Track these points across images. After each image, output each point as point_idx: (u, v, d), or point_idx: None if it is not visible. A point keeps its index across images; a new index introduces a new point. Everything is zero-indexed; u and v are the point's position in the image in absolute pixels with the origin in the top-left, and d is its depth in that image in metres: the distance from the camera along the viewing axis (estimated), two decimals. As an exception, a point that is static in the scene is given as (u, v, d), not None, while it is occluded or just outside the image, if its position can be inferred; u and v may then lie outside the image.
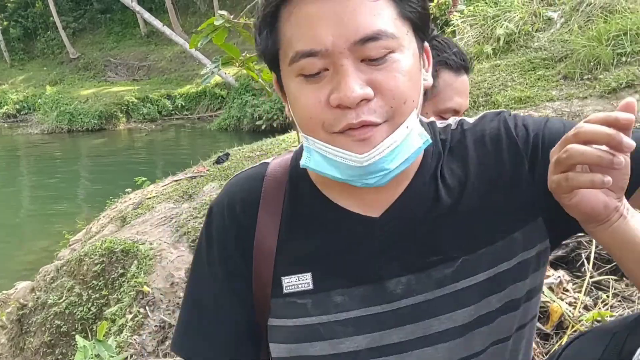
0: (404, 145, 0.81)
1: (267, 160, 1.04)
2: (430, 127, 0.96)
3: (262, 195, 0.96)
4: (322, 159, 0.83)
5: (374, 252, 0.90)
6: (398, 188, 0.91)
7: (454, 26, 8.12)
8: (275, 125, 14.30)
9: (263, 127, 14.68)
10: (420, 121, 0.93)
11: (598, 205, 0.76)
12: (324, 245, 0.92)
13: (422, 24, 0.84)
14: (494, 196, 0.89)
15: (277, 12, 0.82)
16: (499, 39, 7.87)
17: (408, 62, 0.80)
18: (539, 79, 6.44)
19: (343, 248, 0.91)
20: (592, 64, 6.35)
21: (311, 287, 0.90)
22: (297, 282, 0.91)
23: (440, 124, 0.98)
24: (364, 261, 0.90)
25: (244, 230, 0.95)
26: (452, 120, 0.98)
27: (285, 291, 0.92)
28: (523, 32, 7.92)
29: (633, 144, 0.69)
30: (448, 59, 1.52)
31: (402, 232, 0.89)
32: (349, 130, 0.79)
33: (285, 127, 12.38)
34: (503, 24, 8.02)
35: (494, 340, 0.89)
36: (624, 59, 6.12)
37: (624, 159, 0.71)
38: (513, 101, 6.13)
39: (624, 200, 0.79)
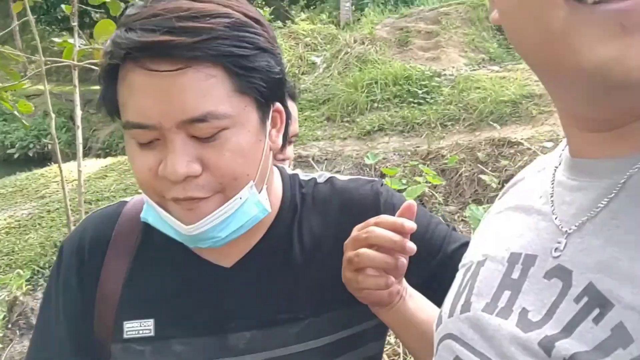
0: (237, 215, 0.79)
1: (126, 199, 0.97)
2: (290, 180, 0.95)
3: (114, 235, 0.90)
4: (158, 218, 0.81)
5: (221, 303, 0.87)
6: (252, 239, 0.89)
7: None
8: (31, 155, 12.89)
9: (16, 156, 13.12)
10: (282, 171, 0.94)
11: (383, 294, 0.83)
12: (170, 290, 0.88)
13: (267, 94, 0.79)
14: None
15: (116, 70, 0.76)
16: (269, 79, 8.30)
17: (242, 139, 0.77)
18: (305, 119, 6.91)
19: (190, 296, 0.87)
20: (350, 107, 7.05)
21: (152, 333, 0.86)
22: (139, 327, 0.86)
23: (304, 176, 0.97)
24: (209, 311, 0.87)
25: (90, 271, 0.89)
26: (319, 174, 0.99)
27: (125, 336, 0.86)
28: (290, 75, 8.47)
29: (414, 248, 0.79)
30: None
31: (252, 285, 0.87)
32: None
33: (44, 157, 11.24)
34: (272, 65, 8.47)
35: None
36: (376, 104, 6.91)
37: (405, 260, 0.81)
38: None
39: (404, 282, 0.85)
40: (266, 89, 0.78)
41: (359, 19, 11.18)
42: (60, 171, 3.85)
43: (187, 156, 0.74)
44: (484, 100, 6.00)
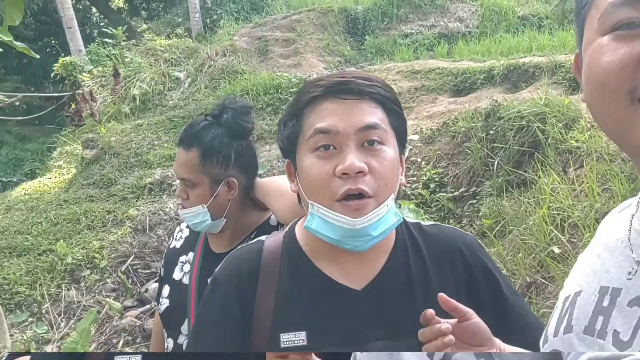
0: (385, 218, 1.06)
1: (261, 238, 1.22)
2: (404, 224, 1.20)
3: (262, 267, 1.14)
4: (322, 222, 1.06)
5: (355, 319, 1.08)
6: (376, 264, 1.13)
7: (87, 86, 8.00)
8: None
9: None
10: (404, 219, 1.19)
11: None
12: (314, 308, 1.09)
13: (402, 135, 1.14)
14: (449, 292, 1.08)
15: (303, 109, 1.11)
16: (134, 98, 8.13)
17: (392, 155, 1.08)
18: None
19: (329, 313, 1.09)
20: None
21: (305, 343, 1.07)
22: (294, 338, 1.08)
23: (407, 218, 1.23)
24: (347, 325, 1.08)
25: (248, 295, 1.12)
26: (410, 219, 1.25)
27: (282, 345, 1.07)
28: (156, 92, 8.36)
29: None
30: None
31: (380, 304, 1.09)
32: (346, 200, 1.03)
33: None
34: (136, 84, 8.30)
35: None
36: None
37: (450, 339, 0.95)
38: (164, 159, 6.48)
39: (495, 341, 1.01)
40: (402, 133, 1.14)
41: (213, 29, 11.25)
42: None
43: (359, 158, 1.04)
44: (351, 102, 6.48)
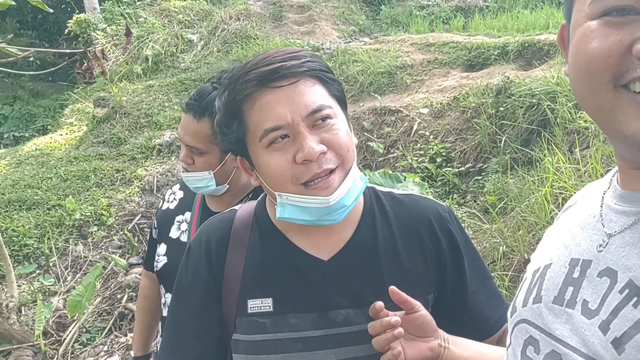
0: (354, 186, 1.08)
1: (235, 208, 1.25)
2: (368, 190, 1.22)
3: (232, 234, 1.17)
4: (294, 208, 1.07)
5: (321, 287, 1.12)
6: (344, 235, 1.15)
7: (100, 45, 8.00)
8: None
9: None
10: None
11: (426, 352, 1.06)
12: (282, 276, 1.13)
13: (342, 99, 1.15)
14: (416, 263, 1.16)
15: (241, 106, 1.08)
16: (147, 59, 8.13)
17: (342, 124, 1.09)
18: (195, 99, 6.94)
19: (297, 281, 1.13)
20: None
21: (271, 309, 1.11)
22: (260, 304, 1.11)
23: (381, 188, 1.26)
24: (313, 293, 1.11)
25: (217, 262, 1.16)
26: (384, 188, 1.27)
27: (249, 311, 1.11)
28: (169, 53, 8.35)
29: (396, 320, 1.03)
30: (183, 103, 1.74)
31: (345, 274, 1.13)
32: (313, 181, 1.04)
33: None
34: (149, 45, 8.29)
35: None
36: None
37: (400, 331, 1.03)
38: (174, 121, 6.51)
39: (440, 332, 1.08)
40: (342, 98, 1.15)
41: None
42: None
43: (315, 140, 1.04)
44: (363, 72, 6.46)
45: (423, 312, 1.08)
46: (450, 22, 8.56)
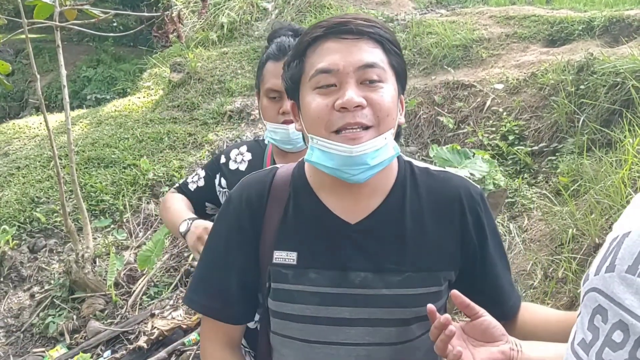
0: (382, 150, 1.10)
1: (277, 165, 1.32)
2: (404, 163, 1.24)
3: (271, 190, 1.24)
4: (320, 153, 1.12)
5: (345, 249, 1.16)
6: (372, 202, 1.18)
7: (176, 9, 8.18)
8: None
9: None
10: (399, 156, 1.22)
11: (497, 356, 1.05)
12: (309, 234, 1.19)
13: (401, 76, 1.18)
14: (442, 238, 1.18)
15: (306, 49, 1.15)
16: (222, 26, 8.26)
17: (391, 92, 1.12)
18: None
19: (323, 240, 1.18)
20: (308, 54, 7.18)
21: (295, 262, 1.17)
22: (286, 257, 1.18)
23: (418, 163, 1.27)
24: (336, 253, 1.16)
25: (257, 213, 1.23)
26: (422, 164, 1.29)
27: (274, 262, 1.19)
28: (244, 21, 8.45)
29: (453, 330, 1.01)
30: (270, 53, 1.75)
31: (369, 239, 1.17)
32: (344, 130, 1.08)
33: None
34: (225, 12, 8.41)
35: (424, 331, 1.19)
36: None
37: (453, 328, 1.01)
38: (245, 89, 6.62)
39: (509, 337, 1.08)
40: (401, 74, 1.17)
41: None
42: (49, 130, 3.93)
43: (358, 93, 1.08)
44: (437, 44, 6.29)
45: (487, 316, 1.08)
46: (534, -5, 8.16)
